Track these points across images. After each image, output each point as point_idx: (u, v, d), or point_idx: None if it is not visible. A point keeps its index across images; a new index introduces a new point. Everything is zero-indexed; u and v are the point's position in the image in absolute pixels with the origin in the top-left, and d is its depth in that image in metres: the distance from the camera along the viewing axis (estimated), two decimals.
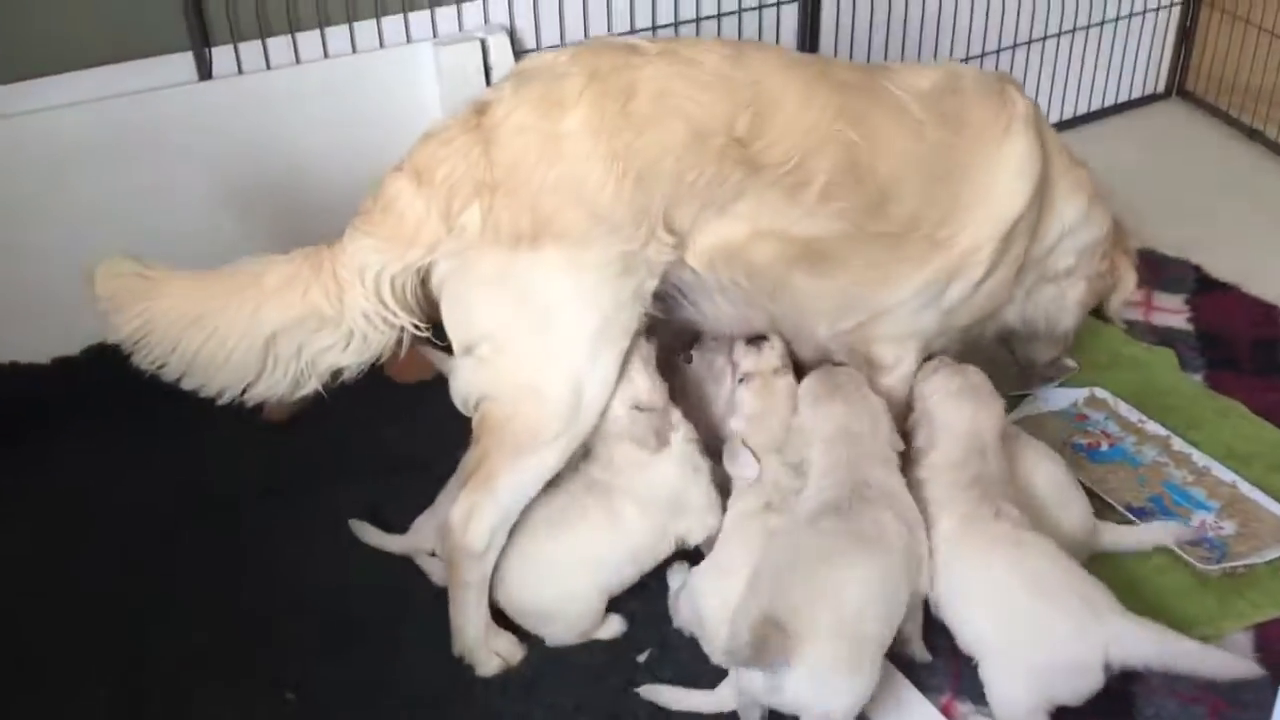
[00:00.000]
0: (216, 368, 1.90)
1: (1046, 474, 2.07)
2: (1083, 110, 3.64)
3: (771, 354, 2.07)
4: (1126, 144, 3.50)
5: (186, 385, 1.93)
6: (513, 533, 1.95)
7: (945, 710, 1.86)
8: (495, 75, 2.66)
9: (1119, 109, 3.70)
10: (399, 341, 1.96)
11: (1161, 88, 3.76)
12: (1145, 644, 1.76)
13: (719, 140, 1.85)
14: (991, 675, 1.81)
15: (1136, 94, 3.73)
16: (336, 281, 1.88)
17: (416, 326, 1.92)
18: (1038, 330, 2.34)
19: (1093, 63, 3.57)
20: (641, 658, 1.96)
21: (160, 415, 2.45)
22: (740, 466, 2.00)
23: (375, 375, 2.52)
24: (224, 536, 2.21)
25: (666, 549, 2.02)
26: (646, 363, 1.97)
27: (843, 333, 2.10)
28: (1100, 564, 2.05)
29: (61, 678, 1.95)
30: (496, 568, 1.96)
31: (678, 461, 2.01)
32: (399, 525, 2.21)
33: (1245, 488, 2.19)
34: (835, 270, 2.00)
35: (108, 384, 2.33)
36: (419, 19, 2.69)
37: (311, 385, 1.96)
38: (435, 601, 2.07)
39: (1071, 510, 2.04)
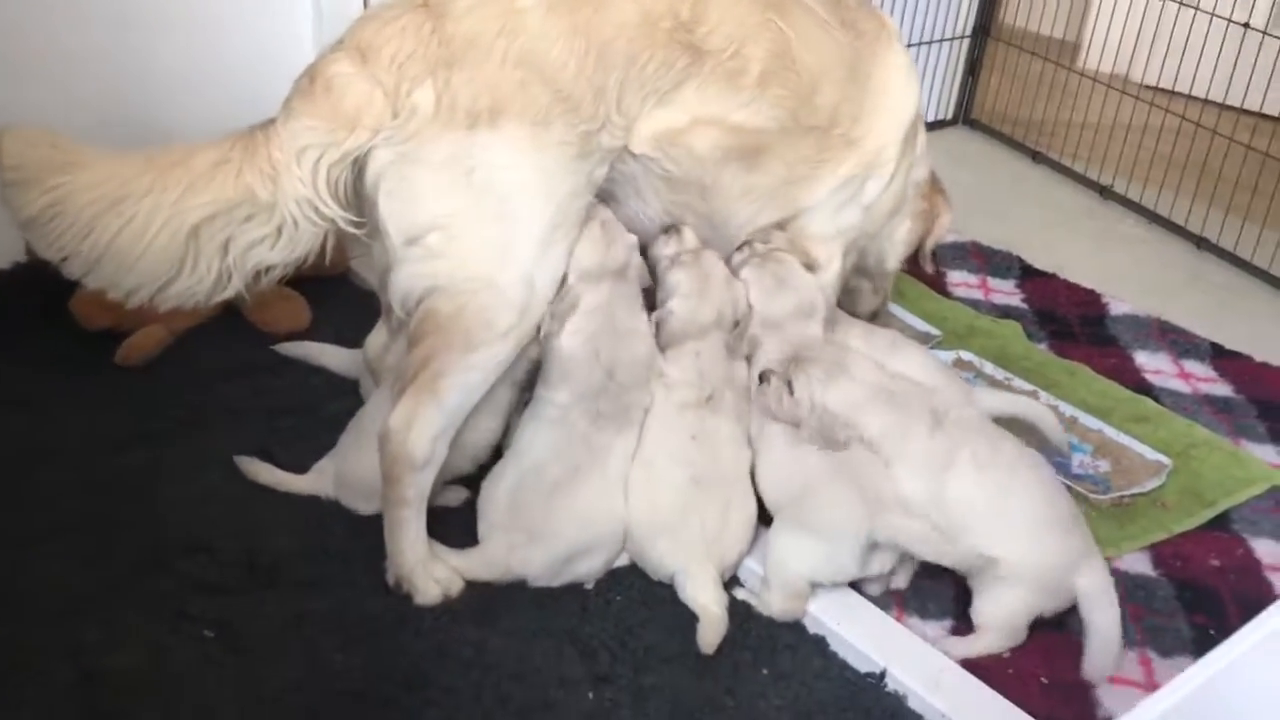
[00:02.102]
0: (133, 260, 1.70)
1: (920, 363, 2.16)
2: None
3: (690, 235, 2.08)
4: None
5: (93, 281, 1.72)
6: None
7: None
8: None
9: None
10: (323, 247, 1.81)
11: (950, 114, 4.07)
12: None
13: (666, 24, 1.86)
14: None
15: (927, 120, 4.02)
16: (271, 164, 1.73)
17: (349, 222, 1.78)
18: (867, 267, 2.42)
19: None
20: (589, 584, 1.89)
21: (8, 351, 2.21)
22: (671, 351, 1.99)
23: (240, 324, 2.39)
24: (100, 478, 1.97)
25: None
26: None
27: (759, 230, 2.14)
28: None
29: None
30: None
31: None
32: (292, 468, 2.04)
33: (1111, 432, 2.37)
34: (767, 164, 2.05)
35: None
36: None
37: (233, 287, 1.78)
38: (353, 538, 1.92)
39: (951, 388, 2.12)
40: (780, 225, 2.15)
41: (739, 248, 2.16)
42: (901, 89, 2.18)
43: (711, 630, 1.79)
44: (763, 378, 1.97)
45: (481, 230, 1.78)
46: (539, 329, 1.88)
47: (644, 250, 2.08)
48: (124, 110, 2.36)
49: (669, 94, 1.90)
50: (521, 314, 1.82)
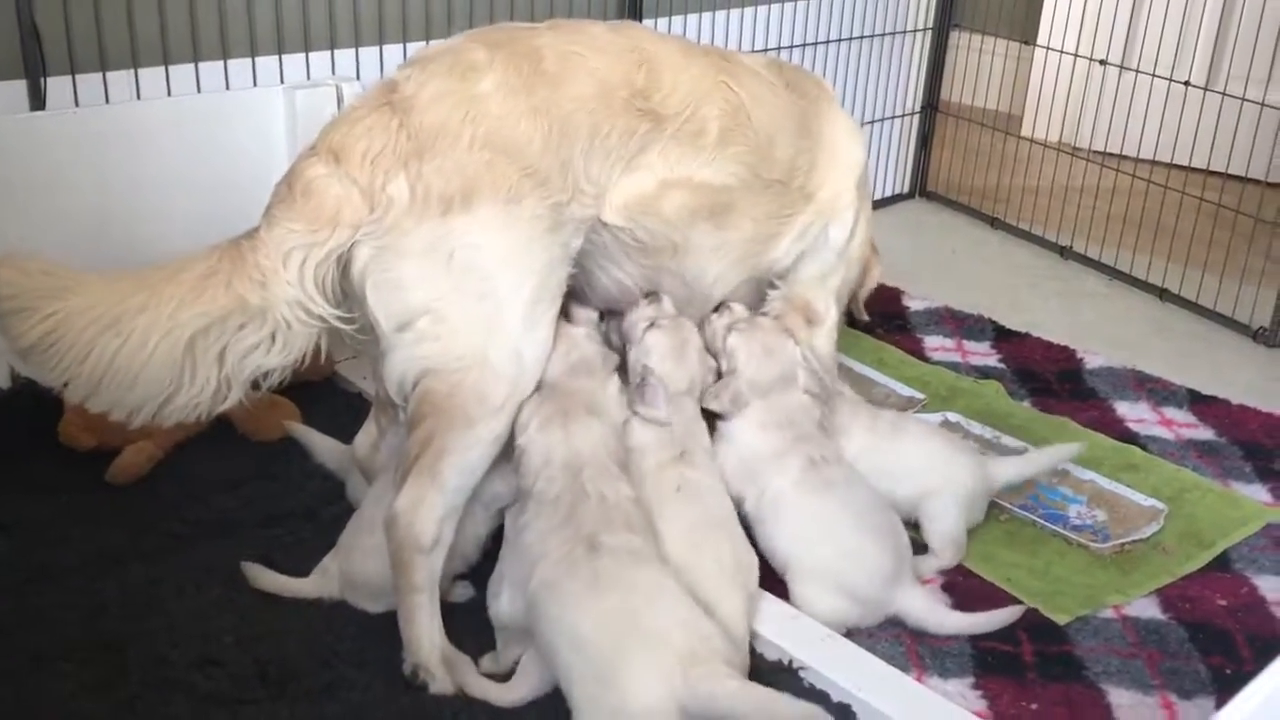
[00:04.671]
0: (132, 378, 1.70)
1: (927, 439, 2.25)
2: None
3: (668, 303, 2.14)
4: (884, 232, 3.82)
5: (95, 403, 1.72)
6: None
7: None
8: None
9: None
10: (317, 348, 1.83)
11: (906, 188, 4.17)
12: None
13: (623, 93, 1.95)
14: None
15: (884, 193, 4.12)
16: (260, 271, 1.75)
17: (340, 319, 1.81)
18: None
19: None
20: None
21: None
22: (652, 406, 1.99)
23: (229, 435, 2.38)
24: (102, 597, 1.93)
25: None
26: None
27: (733, 289, 2.23)
28: (1006, 549, 2.20)
29: None
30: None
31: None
32: (294, 574, 2.01)
33: (1104, 482, 2.40)
34: (735, 220, 2.14)
35: None
36: (266, 64, 2.60)
37: (233, 396, 1.79)
38: (363, 638, 1.89)
39: (964, 458, 2.22)
40: (770, 284, 2.23)
41: (716, 309, 2.23)
42: (848, 142, 2.32)
43: None
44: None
45: (467, 310, 1.81)
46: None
47: (615, 315, 2.15)
48: (107, 220, 2.37)
49: (635, 159, 1.98)
50: (513, 386, 1.85)
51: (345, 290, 1.83)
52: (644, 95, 1.98)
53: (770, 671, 1.84)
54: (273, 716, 1.73)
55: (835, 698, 1.80)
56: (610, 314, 2.18)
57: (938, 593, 2.09)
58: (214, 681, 1.78)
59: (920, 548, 2.16)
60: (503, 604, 1.82)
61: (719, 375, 2.15)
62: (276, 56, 2.62)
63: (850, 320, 2.69)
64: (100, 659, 1.80)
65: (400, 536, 1.79)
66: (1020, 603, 2.04)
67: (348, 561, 1.96)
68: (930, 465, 2.19)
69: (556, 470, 1.85)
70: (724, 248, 2.16)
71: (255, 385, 1.82)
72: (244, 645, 1.85)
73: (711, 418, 2.12)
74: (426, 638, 1.80)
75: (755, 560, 1.95)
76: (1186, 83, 3.39)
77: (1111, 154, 3.78)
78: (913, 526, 2.17)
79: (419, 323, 1.80)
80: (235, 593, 1.96)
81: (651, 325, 2.09)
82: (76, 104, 2.36)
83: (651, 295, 2.14)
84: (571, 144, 1.89)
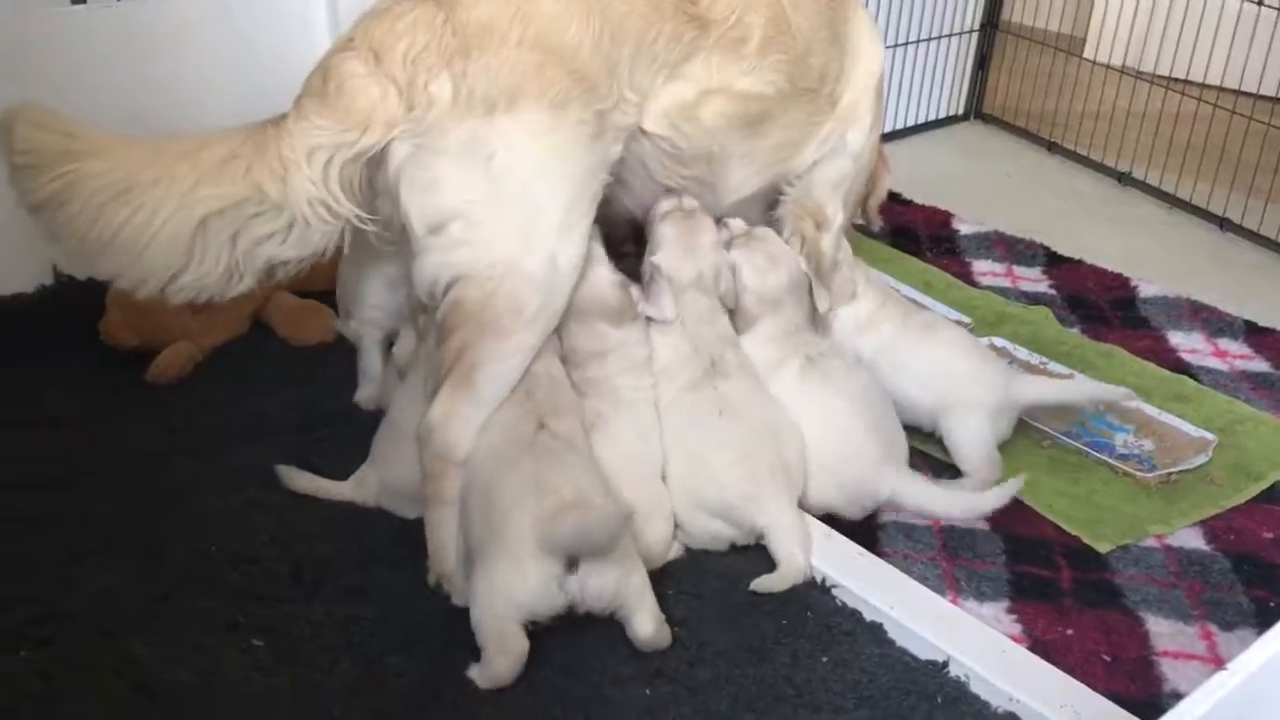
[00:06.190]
0: (139, 250, 1.70)
1: (957, 345, 2.23)
2: (886, 128, 3.87)
3: (690, 200, 2.09)
4: (937, 155, 3.76)
5: (102, 270, 1.72)
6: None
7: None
8: None
9: (921, 128, 3.95)
10: (340, 239, 1.81)
11: (961, 109, 4.06)
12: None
13: None
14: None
15: (938, 115, 4.01)
16: (281, 162, 1.72)
17: (361, 218, 1.79)
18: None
19: (895, 82, 3.77)
20: None
21: (38, 376, 2.21)
22: (658, 305, 1.97)
23: (269, 338, 2.39)
24: (142, 493, 1.94)
25: None
26: None
27: (751, 195, 2.20)
28: (1048, 475, 2.16)
29: None
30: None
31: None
32: (330, 476, 2.01)
33: (1152, 411, 2.35)
34: (767, 129, 2.10)
35: None
36: None
37: (246, 281, 1.78)
38: (396, 542, 1.90)
39: (989, 372, 2.18)
40: (778, 187, 2.19)
41: (718, 220, 2.17)
42: (869, 45, 2.27)
43: (787, 579, 1.79)
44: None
45: (503, 214, 1.77)
46: None
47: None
48: (146, 115, 2.35)
49: (678, 67, 1.93)
50: (547, 296, 1.82)
51: (376, 188, 1.80)
52: (691, 0, 1.92)
53: (803, 589, 1.83)
54: (306, 614, 1.74)
55: (868, 616, 1.79)
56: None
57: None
58: (249, 579, 1.80)
59: (954, 470, 2.13)
60: None
61: None
62: None
63: (863, 230, 2.68)
64: (138, 554, 1.82)
65: (434, 448, 1.78)
66: (1057, 534, 2.02)
67: (388, 470, 1.96)
68: (953, 373, 2.16)
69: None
70: (752, 155, 2.12)
71: (271, 272, 1.80)
72: (279, 544, 1.86)
73: None
74: (451, 550, 1.79)
75: (802, 450, 1.94)
76: (1260, 1, 3.26)
77: (1177, 78, 3.64)
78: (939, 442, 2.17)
79: (452, 226, 1.77)
80: (271, 493, 1.97)
81: (665, 217, 2.06)
82: None
83: (672, 191, 2.09)
84: (620, 49, 1.84)
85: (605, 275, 1.95)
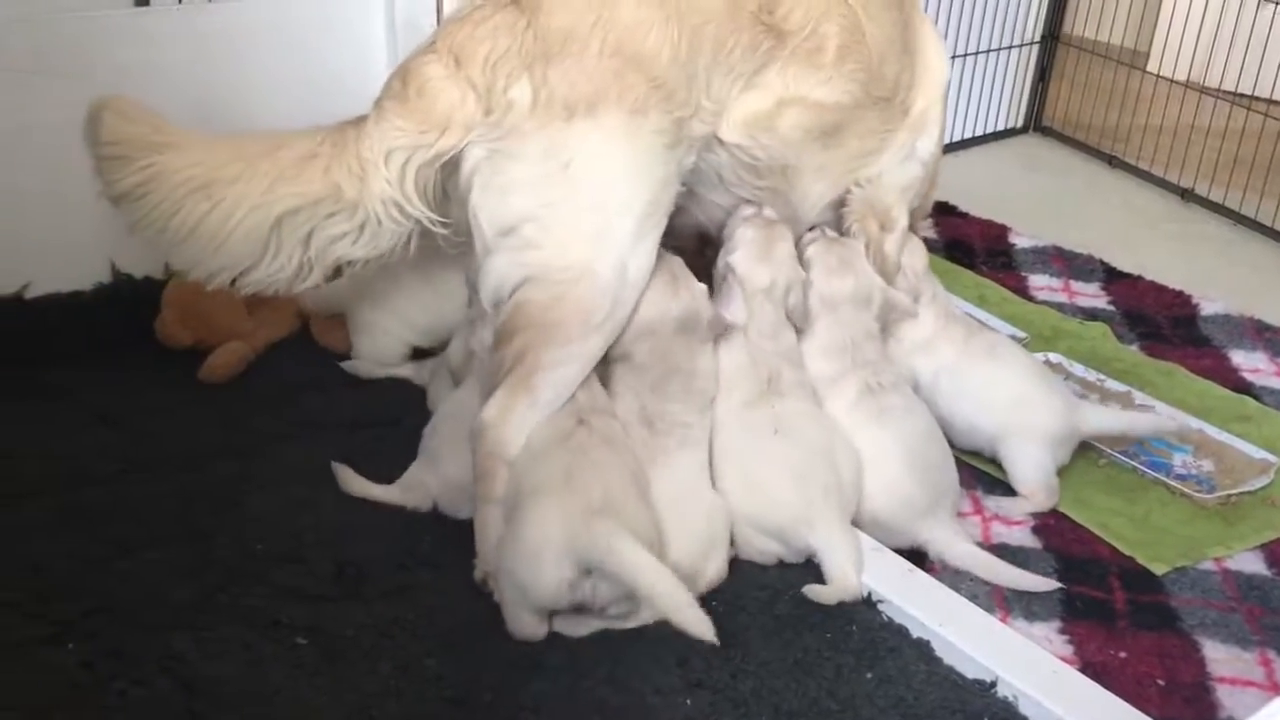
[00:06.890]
0: (217, 244, 1.75)
1: (1021, 368, 2.17)
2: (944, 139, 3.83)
3: (771, 211, 2.08)
4: (995, 168, 3.72)
5: (178, 260, 1.78)
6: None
7: None
8: None
9: (980, 140, 3.91)
10: (408, 242, 1.85)
11: (1020, 122, 4.01)
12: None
13: (750, 6, 1.89)
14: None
15: (996, 127, 3.96)
16: (360, 163, 1.76)
17: (433, 221, 1.82)
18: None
19: (954, 93, 3.71)
20: None
21: (94, 373, 2.25)
22: (730, 307, 1.95)
23: (310, 344, 2.41)
24: (192, 490, 1.96)
25: None
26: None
27: (826, 206, 2.18)
28: (1103, 494, 2.12)
29: (39, 636, 1.66)
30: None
31: None
32: (375, 479, 2.01)
33: (1212, 431, 2.29)
34: (843, 139, 2.08)
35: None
36: None
37: (315, 278, 1.83)
38: (441, 545, 1.90)
39: (1053, 399, 2.12)
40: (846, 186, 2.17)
41: (810, 228, 2.17)
42: (936, 54, 2.26)
43: (837, 595, 1.78)
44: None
45: (578, 219, 1.78)
46: None
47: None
48: (206, 119, 2.36)
49: (754, 77, 1.92)
50: (615, 304, 1.81)
51: (448, 191, 1.82)
52: (768, 9, 1.91)
53: (848, 603, 1.80)
54: (349, 614, 1.75)
55: (914, 633, 1.76)
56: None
57: (1025, 534, 2.03)
58: (294, 578, 1.80)
59: (1009, 489, 2.10)
60: None
61: None
62: None
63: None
64: (187, 549, 1.84)
65: (487, 447, 1.78)
66: (1111, 555, 1.98)
67: (447, 466, 1.94)
68: (1016, 399, 2.10)
69: None
70: (827, 166, 2.10)
71: (338, 271, 1.83)
72: (324, 544, 1.87)
73: None
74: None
75: (858, 471, 1.92)
76: None
77: (1243, 94, 3.58)
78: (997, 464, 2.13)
79: (524, 228, 1.78)
80: (318, 492, 1.98)
81: (746, 221, 2.04)
82: (179, 1, 2.36)
83: (753, 203, 2.08)
84: (698, 57, 1.83)
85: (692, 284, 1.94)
